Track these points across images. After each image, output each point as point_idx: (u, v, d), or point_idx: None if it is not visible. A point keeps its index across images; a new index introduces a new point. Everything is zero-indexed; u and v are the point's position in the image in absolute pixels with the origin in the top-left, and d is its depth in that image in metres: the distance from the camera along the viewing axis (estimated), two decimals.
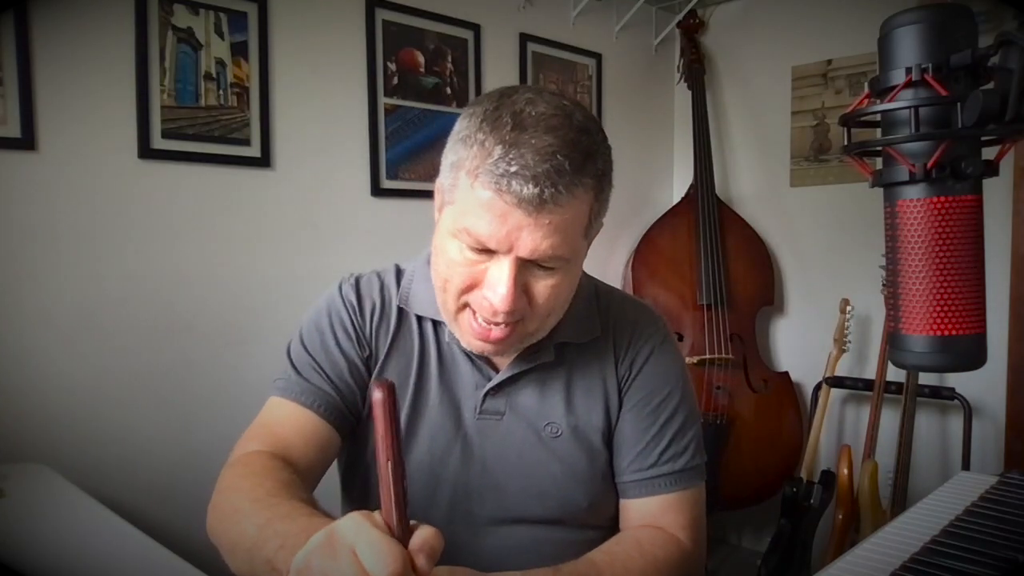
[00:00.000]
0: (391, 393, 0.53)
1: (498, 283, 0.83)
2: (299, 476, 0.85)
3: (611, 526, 1.02)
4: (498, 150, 0.79)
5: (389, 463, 0.53)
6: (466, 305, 0.87)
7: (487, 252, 0.83)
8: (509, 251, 0.82)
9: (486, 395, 0.97)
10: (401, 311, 0.99)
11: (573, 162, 0.80)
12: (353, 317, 0.98)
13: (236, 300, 1.94)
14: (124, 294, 1.78)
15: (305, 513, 0.71)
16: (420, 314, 0.99)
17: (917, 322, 0.54)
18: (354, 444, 1.00)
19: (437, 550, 0.55)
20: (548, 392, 0.98)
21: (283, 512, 0.72)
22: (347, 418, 0.96)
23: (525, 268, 0.84)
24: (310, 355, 0.96)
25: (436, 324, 0.99)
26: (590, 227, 0.88)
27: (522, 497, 0.96)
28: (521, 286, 0.84)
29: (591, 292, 1.03)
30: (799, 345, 2.85)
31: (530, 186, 0.78)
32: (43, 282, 1.67)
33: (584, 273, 1.00)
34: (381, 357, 0.98)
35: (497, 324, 0.85)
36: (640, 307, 1.07)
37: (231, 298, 1.93)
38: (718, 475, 2.52)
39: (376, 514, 0.55)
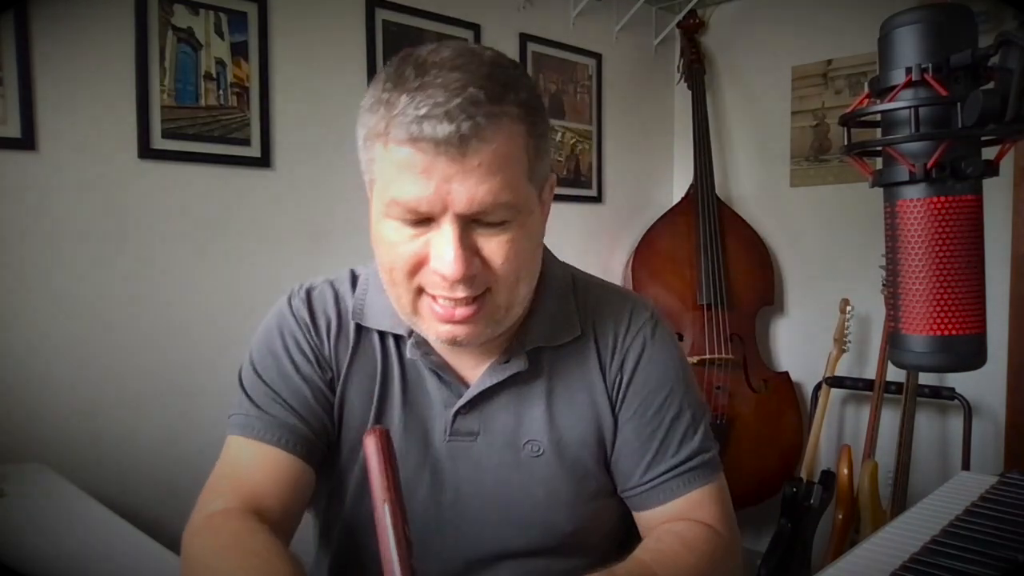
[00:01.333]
0: (386, 440, 0.51)
1: (443, 250, 0.73)
2: (275, 530, 0.77)
3: (599, 551, 0.93)
4: (403, 99, 0.71)
5: (387, 508, 0.51)
6: (421, 291, 0.78)
7: (424, 222, 0.75)
8: (445, 210, 0.73)
9: (456, 414, 0.87)
10: (359, 328, 0.89)
11: (489, 92, 0.71)
12: (308, 336, 0.88)
13: (236, 300, 1.94)
14: (124, 294, 1.78)
15: None
16: (378, 328, 0.88)
17: (917, 322, 0.54)
18: (327, 477, 0.90)
19: None
20: (526, 406, 0.88)
21: None
22: (318, 449, 0.86)
23: (470, 228, 0.75)
24: (267, 384, 0.86)
25: (398, 339, 0.88)
26: (532, 169, 0.77)
27: (502, 528, 0.87)
28: (471, 249, 0.75)
29: (567, 284, 0.92)
30: (799, 345, 2.85)
31: (444, 124, 0.69)
32: (43, 282, 1.67)
33: (560, 262, 0.94)
34: (341, 378, 0.88)
35: (459, 300, 0.76)
36: (624, 296, 0.95)
37: (231, 298, 1.93)
38: None
39: None
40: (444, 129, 0.69)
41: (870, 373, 2.47)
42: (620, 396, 0.90)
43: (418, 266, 0.77)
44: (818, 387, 2.57)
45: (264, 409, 0.85)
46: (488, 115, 0.71)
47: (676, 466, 0.88)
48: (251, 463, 0.83)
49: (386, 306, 0.85)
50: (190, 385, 1.88)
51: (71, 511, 1.25)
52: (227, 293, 1.93)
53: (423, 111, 0.70)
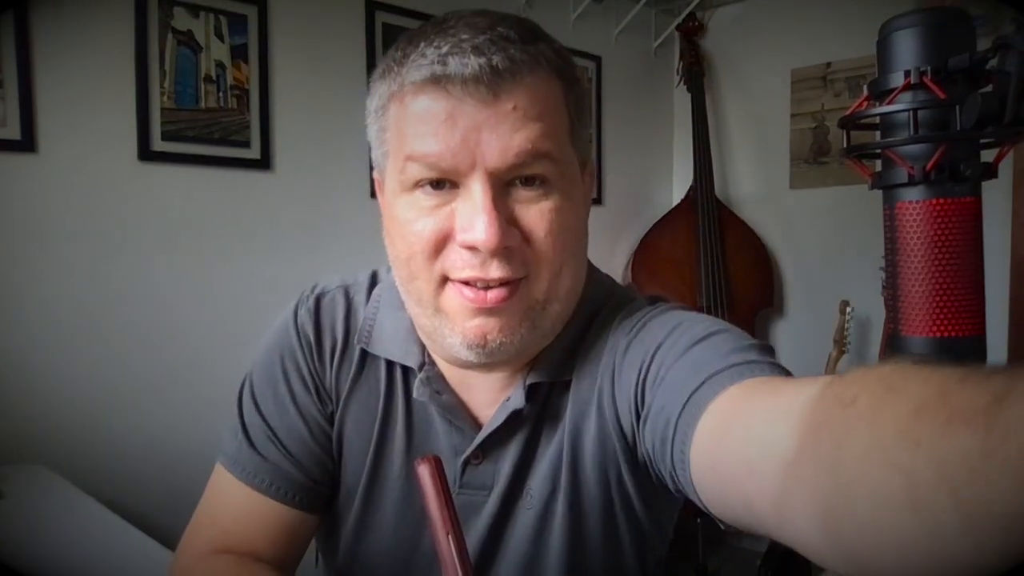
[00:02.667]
0: (439, 469, 0.47)
1: (473, 215, 0.61)
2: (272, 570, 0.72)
3: None
4: (421, 45, 0.62)
5: (451, 539, 0.47)
6: (445, 280, 0.65)
7: (448, 187, 0.63)
8: (473, 167, 0.61)
9: (467, 463, 0.74)
10: (365, 354, 0.77)
11: (520, 34, 0.62)
12: (310, 361, 0.77)
13: (235, 302, 1.94)
14: (123, 295, 1.78)
15: None
16: (381, 355, 0.76)
17: (917, 323, 0.54)
18: (330, 514, 0.80)
19: None
20: (535, 452, 0.74)
21: None
22: (319, 495, 0.77)
23: (505, 193, 0.63)
24: (264, 419, 0.76)
25: (406, 372, 0.76)
26: (574, 131, 0.66)
27: None
28: (507, 217, 0.62)
29: (598, 307, 0.76)
30: (799, 347, 2.85)
31: (472, 57, 0.59)
32: (42, 283, 1.67)
33: (599, 279, 0.79)
34: (340, 407, 0.77)
35: (492, 282, 0.63)
36: (642, 314, 0.74)
37: (230, 300, 1.94)
38: None
39: None
40: (473, 63, 0.59)
41: None
42: (635, 404, 0.68)
43: (442, 243, 0.64)
44: None
45: (259, 450, 0.75)
46: (523, 53, 0.61)
47: (724, 368, 0.59)
48: (241, 512, 0.75)
49: (398, 329, 0.75)
50: (190, 387, 1.88)
51: (71, 512, 1.26)
52: (227, 295, 1.93)
53: (446, 48, 0.60)
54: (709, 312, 2.61)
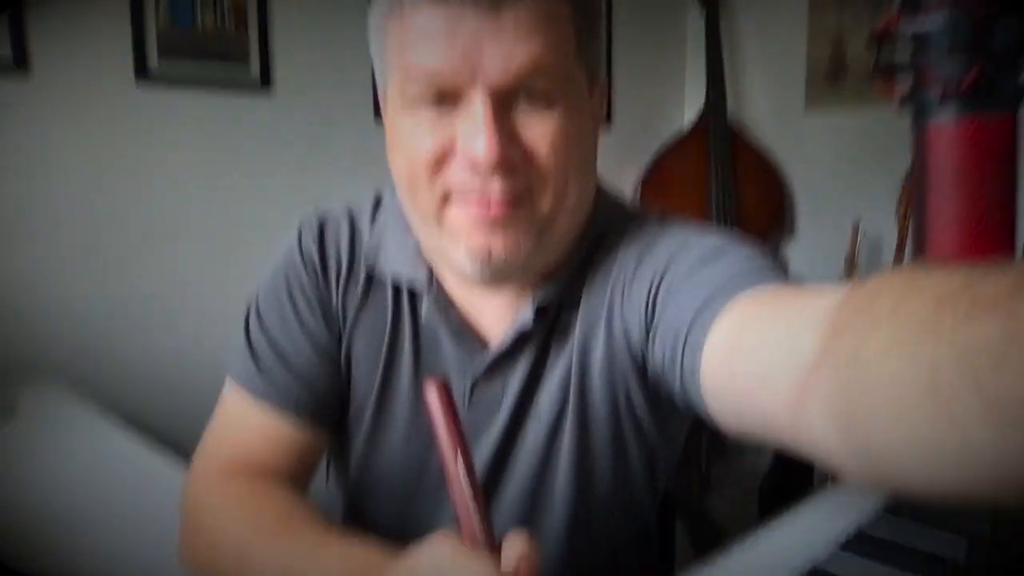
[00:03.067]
0: (447, 392, 0.46)
1: (474, 130, 0.61)
2: (291, 490, 0.72)
3: (637, 524, 0.84)
4: None
5: (460, 462, 0.45)
6: (447, 197, 0.65)
7: (449, 102, 0.62)
8: (474, 81, 0.60)
9: (476, 383, 0.75)
10: (371, 277, 0.77)
11: None
12: (317, 284, 0.77)
13: (238, 220, 1.94)
14: (127, 217, 1.78)
15: (336, 545, 0.59)
16: (393, 279, 0.76)
17: (945, 248, 0.53)
18: (335, 429, 0.81)
19: (536, 562, 0.44)
20: (544, 372, 0.75)
21: (307, 549, 0.59)
22: (328, 411, 0.78)
23: (507, 108, 0.62)
24: (272, 341, 0.77)
25: (413, 294, 0.76)
26: (581, 49, 0.65)
27: (527, 506, 0.77)
28: (508, 131, 0.62)
29: (598, 230, 0.75)
30: (809, 271, 2.83)
31: None
32: (44, 205, 1.67)
33: (613, 201, 0.78)
34: (347, 330, 0.78)
35: (493, 201, 0.63)
36: (657, 228, 0.74)
37: (232, 218, 1.93)
38: None
39: (454, 535, 0.46)
40: None
41: None
42: (645, 320, 0.69)
43: (444, 159, 0.64)
44: None
45: (267, 368, 0.76)
46: None
47: (735, 279, 0.59)
48: (254, 430, 0.75)
49: (404, 251, 0.74)
50: (197, 304, 1.90)
51: (82, 430, 1.26)
52: (228, 213, 1.93)
53: None
54: None
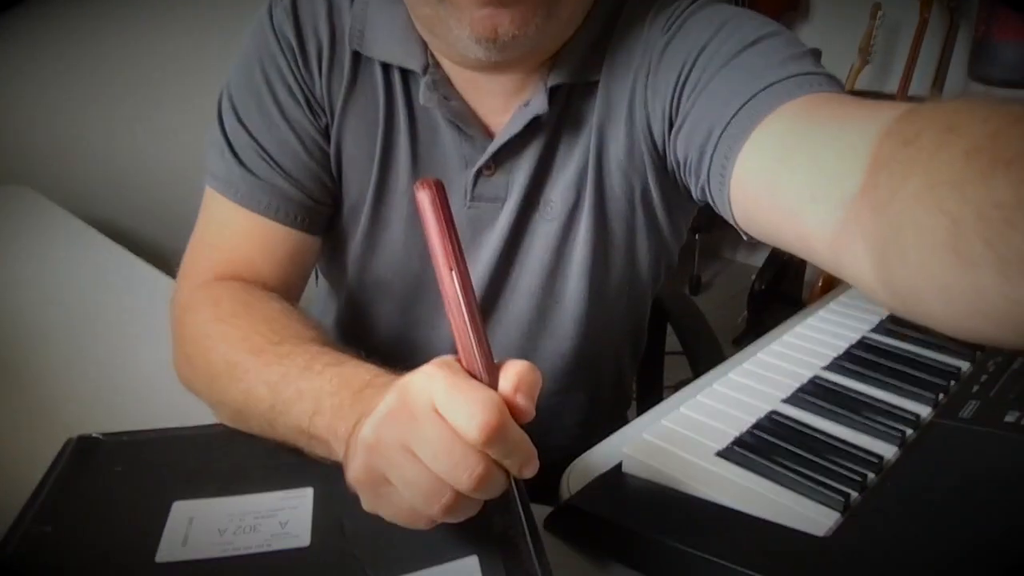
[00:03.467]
0: (441, 193, 0.40)
1: None
2: (285, 300, 0.67)
3: (623, 332, 0.83)
4: None
5: (455, 277, 0.40)
6: None
7: None
8: None
9: (479, 174, 0.70)
10: (357, 57, 0.70)
11: None
12: (295, 68, 0.69)
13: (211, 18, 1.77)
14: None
15: (329, 361, 0.55)
16: (379, 58, 0.69)
17: (1015, 27, 0.44)
18: (326, 236, 0.76)
19: (535, 385, 0.41)
20: (552, 161, 0.71)
21: (300, 364, 0.55)
22: (320, 214, 0.72)
23: None
24: (249, 133, 0.69)
25: (406, 75, 0.69)
26: None
27: (523, 302, 0.75)
28: None
29: (615, 1, 0.69)
30: (820, 55, 2.67)
31: None
32: None
33: None
34: (335, 122, 0.71)
35: None
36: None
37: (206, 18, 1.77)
38: None
39: (451, 359, 0.43)
40: None
41: (892, 87, 2.34)
42: (672, 109, 0.64)
43: None
44: None
45: (249, 168, 0.69)
46: None
47: (780, 80, 0.55)
48: (241, 235, 0.70)
49: (393, 26, 0.67)
50: (172, 104, 1.78)
51: (56, 232, 1.23)
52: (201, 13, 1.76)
53: None
54: None
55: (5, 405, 0.72)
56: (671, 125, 0.65)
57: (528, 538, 0.46)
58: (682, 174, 0.65)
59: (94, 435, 0.59)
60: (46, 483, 0.53)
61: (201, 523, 0.50)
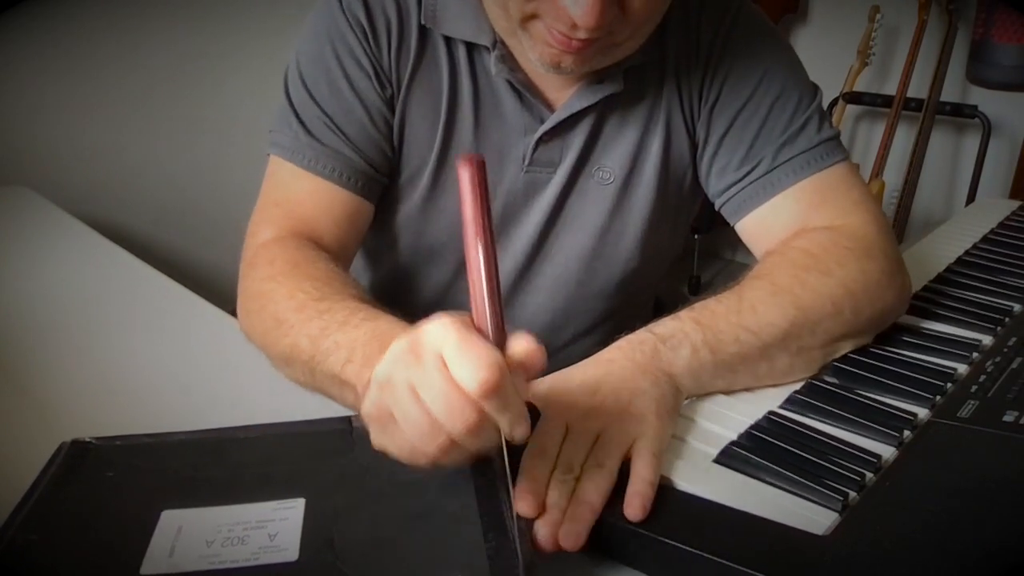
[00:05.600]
0: (481, 170, 0.43)
1: None
2: (335, 261, 0.73)
3: (643, 307, 0.93)
4: None
5: (480, 246, 0.43)
6: (535, 15, 0.65)
7: None
8: None
9: (539, 141, 0.78)
10: (424, 31, 0.76)
11: None
12: (366, 45, 0.75)
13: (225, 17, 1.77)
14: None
15: (366, 316, 0.61)
16: (451, 35, 0.75)
17: (1014, 29, 0.44)
18: (389, 199, 0.82)
19: (538, 367, 0.45)
20: (607, 131, 0.79)
21: (339, 319, 0.61)
22: (377, 182, 0.79)
23: None
24: (318, 104, 0.76)
25: (472, 49, 0.76)
26: None
27: (572, 261, 0.83)
28: None
29: None
30: (819, 57, 2.65)
31: None
32: None
33: None
34: (400, 99, 0.77)
35: (577, 39, 0.64)
36: None
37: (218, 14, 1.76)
38: None
39: (467, 315, 0.46)
40: None
41: (890, 89, 2.34)
42: (703, 104, 0.78)
43: None
44: (833, 103, 2.45)
45: (316, 135, 0.75)
46: None
47: (779, 153, 0.75)
48: (305, 197, 0.76)
49: (465, 4, 0.73)
50: (179, 103, 1.77)
51: (56, 234, 1.22)
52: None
53: None
54: None
55: (4, 406, 0.72)
56: (704, 139, 0.79)
57: (520, 560, 0.45)
58: (698, 175, 0.82)
59: (87, 439, 0.58)
60: (36, 489, 0.53)
61: (189, 533, 0.49)
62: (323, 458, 0.56)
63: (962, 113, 2.29)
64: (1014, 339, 0.72)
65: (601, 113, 0.78)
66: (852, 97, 2.41)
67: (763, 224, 0.77)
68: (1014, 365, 0.67)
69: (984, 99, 2.26)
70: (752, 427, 0.60)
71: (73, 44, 1.65)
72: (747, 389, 0.65)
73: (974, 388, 0.64)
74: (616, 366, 0.59)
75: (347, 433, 0.59)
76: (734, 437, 0.58)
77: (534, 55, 0.68)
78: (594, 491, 0.50)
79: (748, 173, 0.76)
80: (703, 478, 0.54)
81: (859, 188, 0.77)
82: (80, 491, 0.53)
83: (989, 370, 0.67)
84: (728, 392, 0.65)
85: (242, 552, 0.48)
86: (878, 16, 2.30)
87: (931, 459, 0.56)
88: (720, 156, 0.78)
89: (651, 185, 0.81)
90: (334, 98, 0.75)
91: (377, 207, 0.81)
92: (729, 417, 0.61)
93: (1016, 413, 0.59)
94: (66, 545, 0.48)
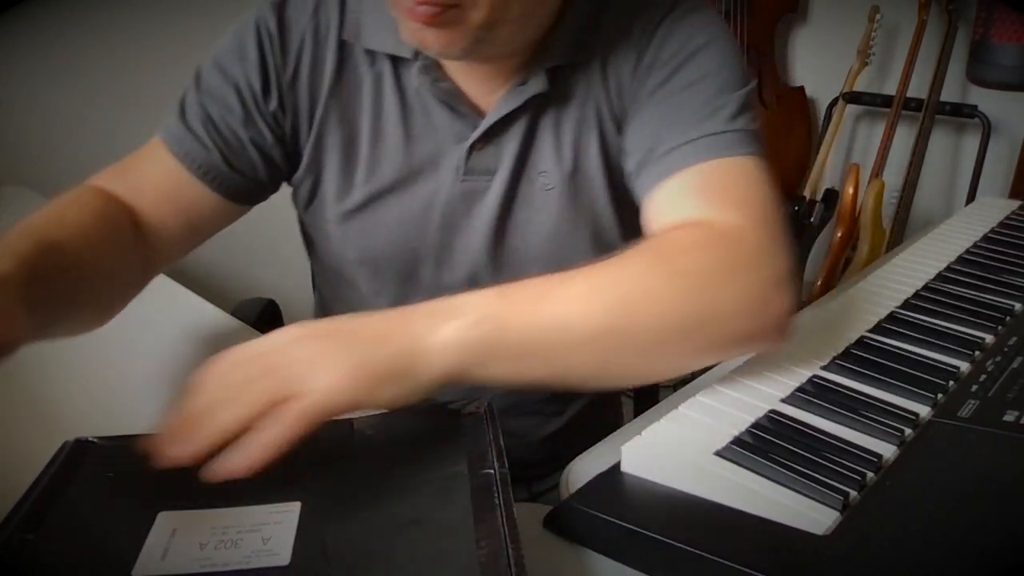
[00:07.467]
0: None
1: None
2: (140, 233, 0.73)
3: None
4: None
5: None
6: None
7: None
8: None
9: (472, 149, 0.75)
10: (344, 46, 0.75)
11: None
12: (267, 54, 0.74)
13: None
14: None
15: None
16: (373, 48, 0.74)
17: (1014, 29, 0.44)
18: (306, 223, 0.83)
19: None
20: (540, 134, 0.76)
21: None
22: (241, 184, 0.77)
23: None
24: (201, 93, 0.76)
25: (397, 61, 0.74)
26: None
27: (512, 269, 0.80)
28: None
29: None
30: (819, 57, 2.67)
31: None
32: None
33: None
34: (317, 116, 0.76)
35: (421, 1, 0.61)
36: None
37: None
38: None
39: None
40: None
41: (890, 89, 2.34)
42: (628, 92, 0.74)
43: None
44: (833, 103, 2.45)
45: (187, 121, 0.76)
46: None
47: (681, 135, 0.69)
48: (151, 168, 0.77)
49: (388, 19, 0.69)
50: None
51: None
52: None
53: None
54: (727, 18, 2.40)
55: (4, 406, 0.72)
56: (620, 129, 0.76)
57: (512, 568, 0.45)
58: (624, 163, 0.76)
59: (89, 439, 0.58)
60: (36, 488, 0.53)
61: (183, 536, 0.49)
62: (323, 461, 0.56)
63: (962, 113, 2.29)
64: (1015, 338, 0.72)
65: (533, 117, 0.75)
66: (852, 97, 2.41)
67: (656, 207, 0.69)
68: (1015, 364, 0.67)
69: (984, 99, 2.26)
70: (753, 425, 0.59)
71: (73, 44, 1.65)
72: (748, 386, 0.65)
73: (975, 387, 0.64)
74: (359, 319, 0.55)
75: (348, 436, 0.58)
76: (735, 434, 0.58)
77: (406, 34, 0.66)
78: (210, 420, 0.50)
79: (650, 150, 0.70)
80: (703, 476, 0.54)
81: (760, 188, 0.67)
82: (80, 491, 0.53)
83: (990, 369, 0.67)
84: (730, 387, 0.64)
85: (234, 556, 0.47)
86: (878, 16, 2.30)
87: (932, 459, 0.56)
88: (630, 135, 0.74)
89: (598, 185, 0.77)
90: (217, 95, 0.75)
91: (307, 221, 0.83)
92: (730, 414, 0.61)
93: (1016, 413, 0.59)
94: (61, 546, 0.48)
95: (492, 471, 0.52)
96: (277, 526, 0.50)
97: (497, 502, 0.49)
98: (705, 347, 0.60)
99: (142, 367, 0.79)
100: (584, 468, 0.61)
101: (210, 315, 0.91)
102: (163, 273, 1.00)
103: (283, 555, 0.47)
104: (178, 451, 0.49)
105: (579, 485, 0.57)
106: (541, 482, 0.94)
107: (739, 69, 0.73)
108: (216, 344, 0.83)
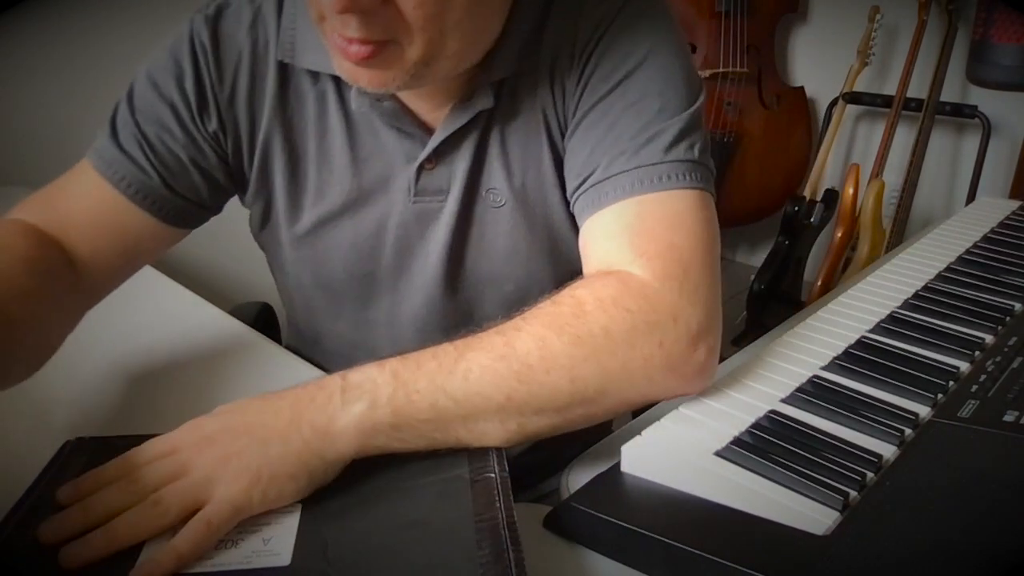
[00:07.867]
0: None
1: None
2: (72, 268, 0.68)
3: None
4: None
5: None
6: (322, 17, 0.60)
7: None
8: None
9: (421, 168, 0.72)
10: (284, 67, 0.71)
11: None
12: (202, 71, 0.71)
13: None
14: None
15: None
16: (311, 68, 0.70)
17: (1014, 29, 0.44)
18: (268, 252, 0.82)
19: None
20: (487, 150, 0.73)
21: None
22: (180, 208, 0.73)
23: None
24: (134, 117, 0.71)
25: (338, 81, 0.70)
26: None
27: (467, 290, 0.78)
28: None
29: (542, 6, 0.70)
30: (819, 57, 2.67)
31: None
32: None
33: None
34: (260, 136, 0.72)
35: (353, 40, 0.58)
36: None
37: None
38: (720, 194, 2.49)
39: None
40: None
41: (890, 89, 2.34)
42: (568, 106, 0.70)
43: None
44: (833, 103, 2.45)
45: (119, 140, 0.71)
46: None
47: (614, 163, 0.65)
48: (80, 194, 0.71)
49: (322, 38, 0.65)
50: None
51: None
52: None
53: None
54: (727, 17, 2.40)
55: (4, 406, 0.72)
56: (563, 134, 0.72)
57: (513, 571, 0.45)
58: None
59: (91, 438, 0.58)
60: (36, 488, 0.53)
61: None
62: None
63: (962, 113, 2.29)
64: (1015, 338, 0.72)
65: (482, 134, 0.72)
66: (852, 97, 2.41)
67: (587, 240, 0.67)
68: (1015, 365, 0.67)
69: (984, 99, 2.26)
70: (753, 425, 0.59)
71: (72, 45, 1.65)
72: (748, 386, 0.65)
73: (974, 388, 0.64)
74: (268, 406, 0.55)
75: None
76: (735, 434, 0.58)
77: (338, 71, 0.63)
78: (125, 526, 0.49)
79: (584, 180, 0.67)
80: (703, 476, 0.54)
81: (688, 229, 0.63)
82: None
83: (990, 369, 0.67)
84: (730, 387, 0.64)
85: (235, 555, 0.47)
86: (878, 16, 2.30)
87: (932, 459, 0.56)
88: (569, 154, 0.70)
89: (552, 198, 0.74)
90: (150, 111, 0.71)
91: (262, 244, 0.82)
92: (730, 414, 0.61)
93: (1016, 413, 0.59)
94: (61, 544, 0.48)
95: (493, 474, 0.52)
96: (278, 527, 0.50)
97: (497, 504, 0.49)
98: (616, 405, 0.59)
99: (142, 367, 0.79)
100: (584, 468, 0.61)
101: (210, 315, 0.91)
102: (163, 273, 1.01)
103: (284, 556, 0.47)
104: (95, 555, 0.48)
105: (579, 485, 0.57)
106: (541, 483, 0.94)
107: (684, 86, 0.67)
108: (215, 344, 0.84)
